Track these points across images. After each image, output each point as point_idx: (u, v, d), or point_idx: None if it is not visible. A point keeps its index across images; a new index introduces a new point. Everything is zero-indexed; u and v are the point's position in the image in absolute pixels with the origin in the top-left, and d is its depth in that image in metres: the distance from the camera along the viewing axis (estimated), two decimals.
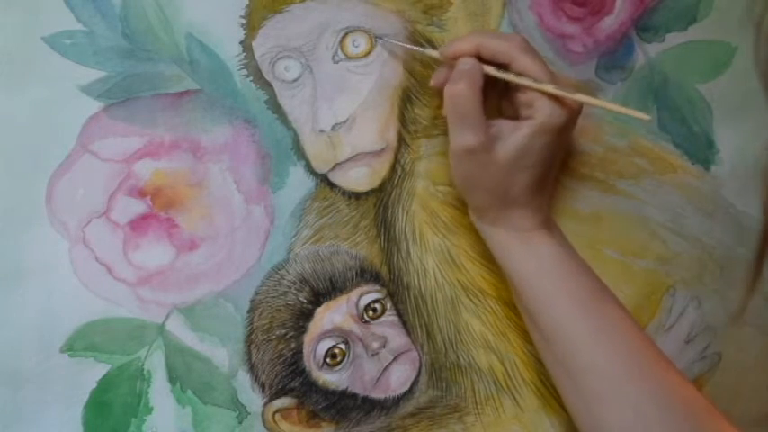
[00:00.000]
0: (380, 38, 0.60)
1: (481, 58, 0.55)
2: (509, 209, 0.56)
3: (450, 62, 0.56)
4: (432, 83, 0.59)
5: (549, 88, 0.53)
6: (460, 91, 0.54)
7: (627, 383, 0.52)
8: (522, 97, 0.55)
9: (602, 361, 0.53)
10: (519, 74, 0.54)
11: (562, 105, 0.53)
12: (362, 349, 0.60)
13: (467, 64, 0.55)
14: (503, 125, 0.54)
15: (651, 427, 0.51)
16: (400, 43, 0.60)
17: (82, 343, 0.57)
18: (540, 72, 0.54)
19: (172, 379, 0.58)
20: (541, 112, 0.53)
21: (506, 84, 0.56)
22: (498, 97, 0.57)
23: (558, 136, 0.54)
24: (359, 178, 0.61)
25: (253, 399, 0.59)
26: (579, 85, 0.63)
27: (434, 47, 0.60)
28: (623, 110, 0.53)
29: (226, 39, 0.58)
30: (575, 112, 0.54)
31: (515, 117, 0.55)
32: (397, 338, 0.61)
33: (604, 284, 0.56)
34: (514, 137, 0.54)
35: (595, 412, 0.53)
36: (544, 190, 0.57)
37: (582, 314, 0.54)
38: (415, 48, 0.60)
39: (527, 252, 0.56)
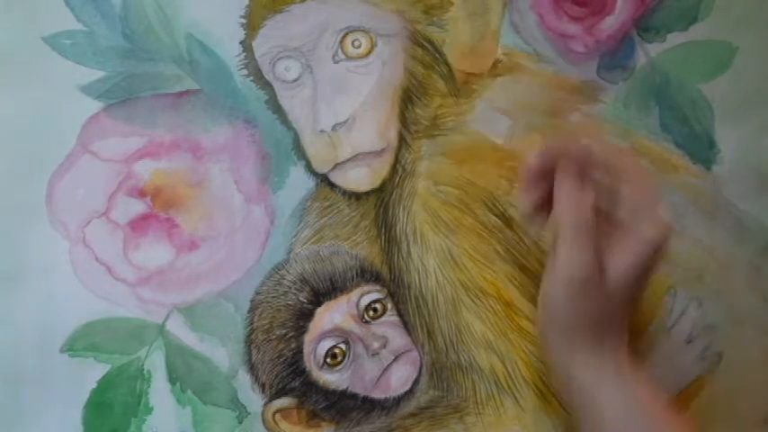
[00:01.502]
0: None
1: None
2: (605, 346, 0.51)
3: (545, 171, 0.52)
4: (524, 210, 0.53)
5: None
6: (584, 214, 0.49)
7: None
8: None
9: None
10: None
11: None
12: (363, 349, 0.60)
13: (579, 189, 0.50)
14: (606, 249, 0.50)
15: None
16: None
17: (82, 343, 0.57)
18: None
19: (172, 379, 0.58)
20: (650, 229, 0.50)
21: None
22: None
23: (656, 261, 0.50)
24: (359, 178, 0.61)
25: (253, 399, 0.59)
26: (579, 87, 0.63)
27: (435, 46, 0.60)
28: None
29: (226, 39, 0.58)
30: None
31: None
32: (398, 338, 0.61)
33: (674, 419, 0.51)
34: (625, 258, 0.49)
35: None
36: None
37: None
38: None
39: (616, 394, 0.50)
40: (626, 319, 0.51)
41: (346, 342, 0.60)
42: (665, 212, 0.50)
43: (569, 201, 0.50)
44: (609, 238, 0.50)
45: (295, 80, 0.60)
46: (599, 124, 0.63)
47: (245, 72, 0.59)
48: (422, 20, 0.61)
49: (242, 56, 0.59)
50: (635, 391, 0.50)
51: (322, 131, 0.60)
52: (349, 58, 0.60)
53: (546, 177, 0.52)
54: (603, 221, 0.51)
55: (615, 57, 0.63)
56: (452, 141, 0.62)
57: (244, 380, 0.59)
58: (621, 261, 0.49)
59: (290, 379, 0.60)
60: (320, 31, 0.59)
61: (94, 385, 0.57)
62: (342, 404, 0.60)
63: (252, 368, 0.59)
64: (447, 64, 0.61)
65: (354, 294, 0.60)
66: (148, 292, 0.58)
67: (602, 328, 0.50)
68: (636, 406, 0.50)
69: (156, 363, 0.58)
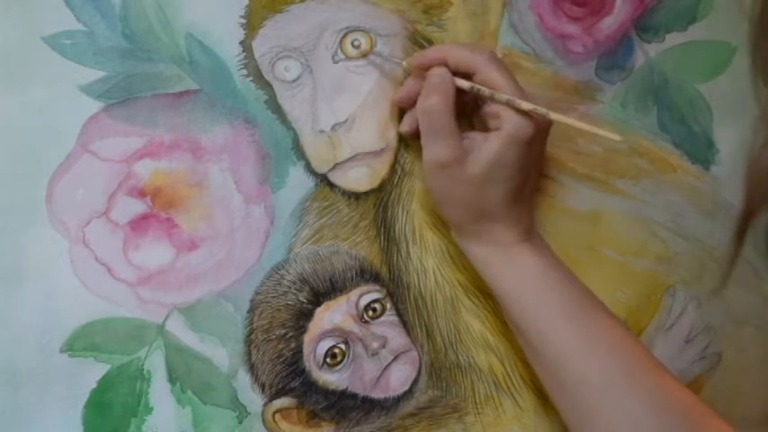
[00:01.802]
0: (374, 53, 0.60)
1: (452, 71, 0.55)
2: (487, 223, 0.55)
3: (418, 73, 0.56)
4: (394, 98, 0.59)
5: (518, 103, 0.53)
6: (434, 104, 0.53)
7: (621, 393, 0.51)
8: (489, 109, 0.54)
9: (593, 373, 0.52)
10: (486, 86, 0.54)
11: (528, 117, 0.53)
12: (362, 349, 0.60)
13: (439, 76, 0.55)
14: (474, 138, 0.54)
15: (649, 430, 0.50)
16: (381, 55, 0.59)
17: (82, 343, 0.57)
18: (506, 84, 0.53)
19: (172, 379, 0.58)
20: (509, 124, 0.53)
21: (478, 96, 0.55)
22: (470, 109, 0.57)
23: (529, 147, 0.54)
24: (359, 178, 0.61)
25: (253, 399, 0.59)
26: (578, 87, 0.63)
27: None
28: (594, 130, 0.53)
29: (226, 39, 0.58)
30: (543, 124, 0.54)
31: (483, 128, 0.55)
32: (397, 338, 0.61)
33: (592, 294, 0.56)
34: (485, 149, 0.53)
35: (591, 424, 0.52)
36: (521, 202, 0.56)
37: (569, 326, 0.54)
38: (392, 59, 0.59)
39: (508, 266, 0.55)
40: (501, 202, 0.54)
41: (346, 342, 0.60)
42: (528, 105, 0.53)
43: (425, 92, 0.54)
44: (483, 130, 0.55)
45: (295, 80, 0.60)
46: (597, 124, 0.63)
47: (244, 72, 0.59)
48: (421, 20, 0.61)
49: (242, 56, 0.59)
50: (526, 264, 0.55)
51: (321, 131, 0.60)
52: (349, 58, 0.60)
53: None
54: (480, 115, 0.56)
55: (614, 57, 0.63)
56: None
57: (244, 380, 0.59)
58: (484, 150, 0.53)
59: (289, 379, 0.60)
60: (320, 31, 0.59)
61: (94, 385, 0.57)
62: (341, 404, 0.60)
63: (252, 368, 0.59)
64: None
65: (354, 294, 0.61)
66: (148, 292, 0.58)
67: (476, 207, 0.55)
68: (525, 278, 0.55)
69: (155, 363, 0.58)
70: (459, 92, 0.55)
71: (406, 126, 0.59)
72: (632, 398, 0.51)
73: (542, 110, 0.52)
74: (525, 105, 0.52)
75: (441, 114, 0.53)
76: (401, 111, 0.61)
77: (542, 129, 0.54)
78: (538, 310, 0.54)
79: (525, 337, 0.55)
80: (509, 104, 0.53)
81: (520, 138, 0.53)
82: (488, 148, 0.53)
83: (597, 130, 0.53)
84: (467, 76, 0.55)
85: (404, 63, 0.58)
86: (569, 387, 0.53)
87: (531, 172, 0.57)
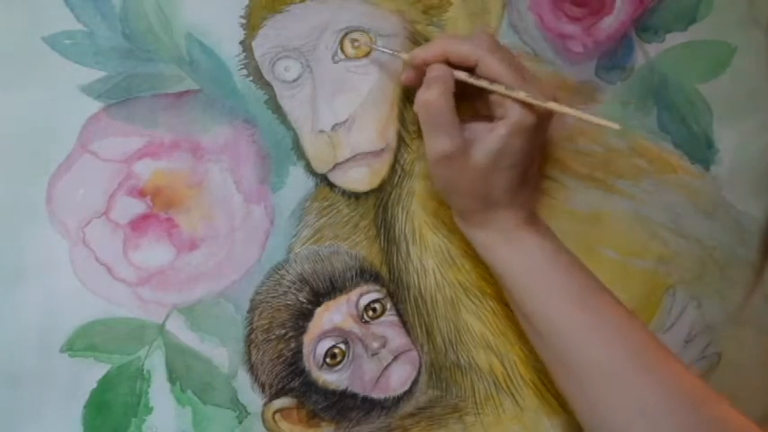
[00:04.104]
0: (376, 47, 0.60)
1: (451, 63, 0.55)
2: (491, 210, 0.55)
3: (420, 67, 0.56)
4: (402, 79, 0.59)
5: (515, 94, 0.53)
6: (433, 99, 0.53)
7: (629, 377, 0.51)
8: (494, 97, 0.54)
9: (602, 357, 0.52)
10: (486, 77, 0.54)
11: (531, 106, 0.53)
12: (362, 349, 0.60)
13: (437, 70, 0.55)
14: (477, 127, 0.54)
15: (657, 419, 0.50)
16: (383, 49, 0.59)
17: (82, 343, 0.57)
18: (505, 74, 0.53)
19: (172, 379, 0.58)
20: (512, 112, 0.53)
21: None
22: (473, 98, 0.57)
23: (533, 135, 0.54)
24: (359, 178, 0.61)
25: (253, 399, 0.59)
26: (578, 87, 0.63)
27: None
28: (592, 119, 0.53)
29: (226, 39, 0.58)
30: (546, 112, 0.54)
31: (490, 117, 0.55)
32: (397, 338, 0.61)
33: (597, 279, 0.56)
34: (489, 139, 0.53)
35: (599, 408, 0.52)
36: (525, 188, 0.56)
37: (576, 310, 0.54)
38: (394, 52, 0.59)
39: (514, 251, 0.55)
40: (507, 189, 0.54)
41: (346, 342, 0.60)
42: (525, 96, 0.53)
43: (423, 87, 0.54)
44: (485, 120, 0.55)
45: (295, 80, 0.60)
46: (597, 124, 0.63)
47: (244, 72, 0.59)
48: (421, 20, 0.61)
49: (242, 56, 0.59)
50: (531, 249, 0.55)
51: (321, 131, 0.60)
52: (349, 58, 0.60)
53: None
54: (482, 105, 0.55)
55: (614, 57, 0.63)
56: None
57: (244, 380, 0.59)
58: (489, 139, 0.53)
59: (289, 379, 0.60)
60: (320, 31, 0.59)
61: (94, 385, 0.57)
62: (341, 404, 0.60)
63: (252, 368, 0.59)
64: None
65: (354, 294, 0.61)
66: (148, 292, 0.58)
67: (481, 195, 0.55)
68: (531, 262, 0.55)
69: (155, 363, 0.58)
70: (462, 81, 0.55)
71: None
72: (640, 383, 0.51)
73: (539, 100, 0.52)
74: (522, 96, 0.52)
75: (440, 109, 0.53)
76: (401, 111, 0.61)
77: (546, 115, 0.54)
78: (544, 294, 0.54)
79: (532, 323, 0.55)
80: (507, 95, 0.53)
81: (525, 125, 0.53)
82: (494, 137, 0.53)
83: (595, 119, 0.53)
84: (469, 67, 0.55)
85: (405, 57, 0.57)
86: (576, 372, 0.53)
87: (536, 156, 0.57)
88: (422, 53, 0.56)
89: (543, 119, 0.54)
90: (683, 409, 0.50)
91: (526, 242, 0.55)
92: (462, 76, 0.55)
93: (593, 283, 0.55)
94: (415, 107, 0.55)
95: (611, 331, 0.53)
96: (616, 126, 0.52)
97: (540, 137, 0.56)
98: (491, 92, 0.54)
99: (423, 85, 0.55)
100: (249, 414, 0.59)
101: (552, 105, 0.53)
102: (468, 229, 0.57)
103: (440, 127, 0.53)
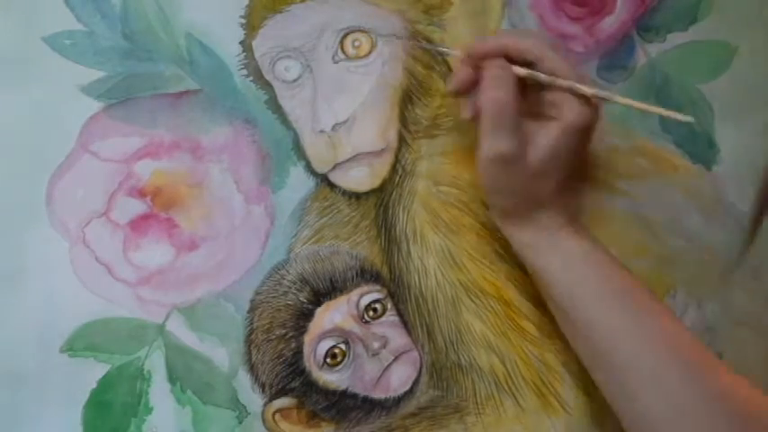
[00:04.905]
0: (401, 37, 0.59)
1: (508, 59, 0.54)
2: (536, 211, 0.55)
3: (476, 63, 0.55)
4: (451, 87, 0.57)
5: (585, 89, 0.52)
6: (503, 97, 0.52)
7: (671, 379, 0.51)
8: (549, 96, 0.54)
9: (643, 356, 0.52)
10: (550, 73, 0.53)
11: (589, 104, 0.53)
12: (363, 349, 0.60)
13: (500, 68, 0.54)
14: (529, 127, 0.53)
15: (697, 417, 0.50)
16: (422, 42, 0.59)
17: (82, 343, 0.57)
18: (568, 70, 0.53)
19: (172, 379, 0.58)
20: (570, 112, 0.52)
21: (526, 83, 0.54)
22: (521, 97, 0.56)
23: (585, 135, 0.54)
24: (359, 178, 0.61)
25: (253, 399, 0.59)
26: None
27: None
28: (663, 112, 0.53)
29: (226, 39, 0.58)
30: (595, 114, 0.54)
31: (537, 117, 0.54)
32: (398, 338, 0.61)
33: (636, 277, 0.55)
34: (545, 140, 0.53)
35: (638, 405, 0.51)
36: (570, 189, 0.56)
37: (617, 307, 0.53)
38: (440, 47, 0.59)
39: (555, 251, 0.55)
40: (553, 190, 0.54)
41: (346, 342, 0.60)
42: (590, 93, 0.52)
43: (491, 85, 0.53)
44: (537, 119, 0.54)
45: (295, 80, 0.60)
46: (598, 124, 0.63)
47: (244, 72, 0.59)
48: (422, 20, 0.61)
49: (242, 56, 0.59)
50: (573, 248, 0.55)
51: (322, 131, 0.60)
52: (349, 58, 0.60)
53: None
54: (533, 104, 0.54)
55: (615, 57, 0.63)
56: (452, 141, 0.62)
57: (244, 380, 0.59)
58: (542, 139, 0.53)
59: (289, 379, 0.60)
60: (320, 31, 0.59)
61: (94, 385, 0.57)
62: (342, 404, 0.60)
63: (252, 368, 0.59)
64: (447, 64, 0.61)
65: (354, 294, 0.61)
66: (148, 292, 0.58)
67: (528, 196, 0.54)
68: (572, 260, 0.55)
69: (155, 363, 0.58)
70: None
71: (469, 112, 0.57)
72: (681, 385, 0.50)
73: (605, 93, 0.52)
74: (588, 91, 0.52)
75: (507, 108, 0.52)
76: (401, 111, 0.61)
77: (595, 117, 0.54)
78: (585, 292, 0.54)
79: (572, 321, 0.55)
80: (571, 90, 0.52)
81: (580, 125, 0.53)
82: (547, 137, 0.53)
83: (667, 112, 0.53)
84: (524, 63, 0.54)
85: (458, 52, 0.57)
86: (618, 368, 0.53)
87: (583, 160, 0.57)
88: (481, 48, 0.55)
89: (593, 121, 0.54)
90: (728, 420, 0.49)
91: (566, 242, 0.55)
92: (523, 72, 0.54)
93: (633, 281, 0.55)
94: (483, 104, 0.53)
95: (652, 329, 0.52)
96: (690, 119, 0.52)
97: (589, 137, 0.56)
98: (542, 90, 0.54)
99: (485, 84, 0.53)
100: (249, 414, 0.59)
101: (625, 101, 0.53)
102: (508, 227, 0.57)
103: (505, 126, 0.52)
